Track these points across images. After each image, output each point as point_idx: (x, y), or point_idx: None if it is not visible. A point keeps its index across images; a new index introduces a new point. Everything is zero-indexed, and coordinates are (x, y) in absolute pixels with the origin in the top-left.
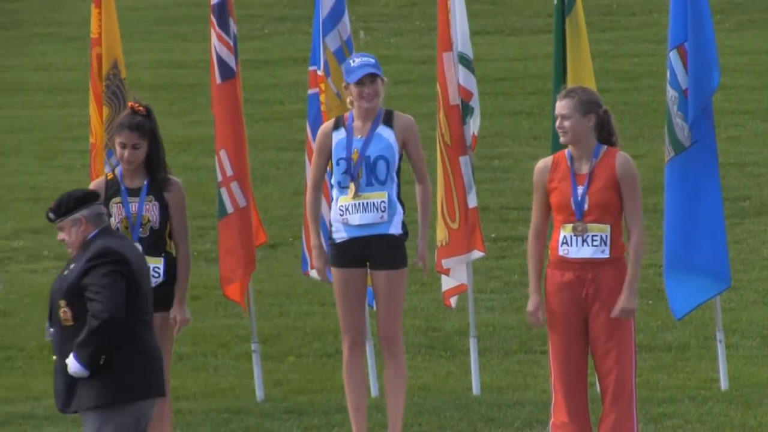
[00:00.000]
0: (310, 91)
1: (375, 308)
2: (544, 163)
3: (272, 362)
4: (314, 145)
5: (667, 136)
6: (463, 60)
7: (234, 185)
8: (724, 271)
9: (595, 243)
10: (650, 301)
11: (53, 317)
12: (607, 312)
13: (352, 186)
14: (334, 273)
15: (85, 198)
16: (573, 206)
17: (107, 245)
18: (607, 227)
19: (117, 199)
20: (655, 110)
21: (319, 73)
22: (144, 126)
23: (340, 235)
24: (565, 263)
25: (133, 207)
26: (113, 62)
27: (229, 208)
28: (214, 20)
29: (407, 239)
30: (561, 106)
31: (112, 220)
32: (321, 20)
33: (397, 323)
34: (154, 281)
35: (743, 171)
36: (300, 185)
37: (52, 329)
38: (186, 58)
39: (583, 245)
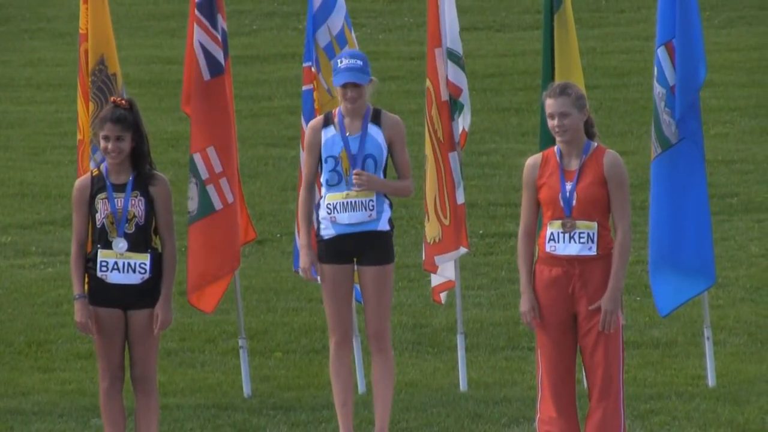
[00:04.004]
0: (305, 88)
1: (363, 304)
2: (533, 160)
3: (259, 358)
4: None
5: (653, 132)
6: (453, 56)
7: (223, 181)
8: (709, 268)
9: (582, 240)
10: (638, 298)
11: None
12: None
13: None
14: (322, 269)
15: None
16: (561, 202)
17: None
18: (594, 224)
19: (103, 195)
20: (644, 107)
21: (313, 69)
22: (126, 118)
23: (328, 231)
24: (553, 259)
25: (119, 202)
26: (99, 58)
27: (218, 205)
28: (201, 16)
29: (394, 235)
30: (559, 104)
31: (98, 215)
32: (311, 16)
33: (385, 319)
34: (141, 277)
35: (731, 168)
36: (288, 181)
37: None
38: (175, 54)
39: (570, 242)
